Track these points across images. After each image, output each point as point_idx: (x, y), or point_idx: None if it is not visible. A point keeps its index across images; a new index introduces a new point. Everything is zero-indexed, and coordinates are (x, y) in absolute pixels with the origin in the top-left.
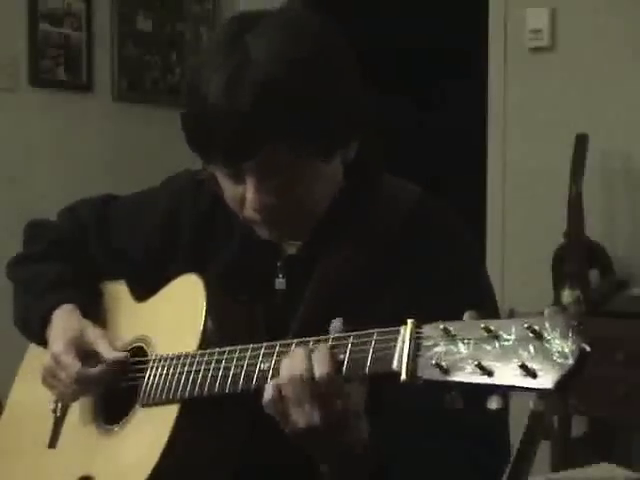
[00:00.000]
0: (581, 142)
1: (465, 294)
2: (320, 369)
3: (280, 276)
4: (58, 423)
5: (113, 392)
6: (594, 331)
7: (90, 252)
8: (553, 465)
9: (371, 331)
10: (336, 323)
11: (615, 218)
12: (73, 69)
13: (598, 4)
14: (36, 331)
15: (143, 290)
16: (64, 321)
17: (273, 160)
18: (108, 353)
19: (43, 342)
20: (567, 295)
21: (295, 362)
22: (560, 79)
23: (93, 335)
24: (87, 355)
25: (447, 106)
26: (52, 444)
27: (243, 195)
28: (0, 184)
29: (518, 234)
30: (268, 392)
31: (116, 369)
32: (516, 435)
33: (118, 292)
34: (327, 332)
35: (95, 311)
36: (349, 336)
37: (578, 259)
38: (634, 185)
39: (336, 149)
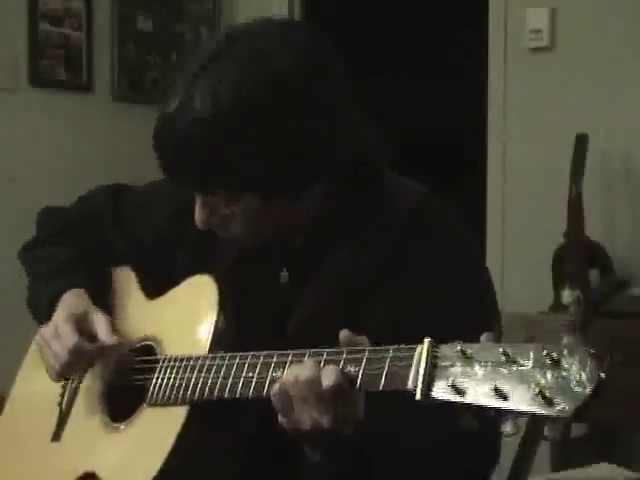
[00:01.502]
0: (581, 142)
1: (466, 291)
2: (327, 381)
3: (284, 270)
4: (63, 417)
5: (120, 390)
6: (594, 331)
7: (104, 238)
8: (553, 465)
9: (387, 347)
10: (344, 333)
11: (615, 218)
12: (73, 69)
13: (598, 4)
14: (44, 314)
15: (152, 280)
16: (71, 301)
17: (205, 195)
18: (105, 336)
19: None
20: (567, 295)
21: (303, 369)
22: (560, 79)
23: (96, 317)
24: (86, 333)
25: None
26: (56, 438)
27: None
28: (0, 184)
29: (518, 234)
30: (275, 387)
31: (111, 352)
32: (515, 436)
33: (127, 285)
34: (327, 331)
35: (103, 296)
36: (364, 350)
37: (578, 259)
38: (634, 185)
39: (280, 193)
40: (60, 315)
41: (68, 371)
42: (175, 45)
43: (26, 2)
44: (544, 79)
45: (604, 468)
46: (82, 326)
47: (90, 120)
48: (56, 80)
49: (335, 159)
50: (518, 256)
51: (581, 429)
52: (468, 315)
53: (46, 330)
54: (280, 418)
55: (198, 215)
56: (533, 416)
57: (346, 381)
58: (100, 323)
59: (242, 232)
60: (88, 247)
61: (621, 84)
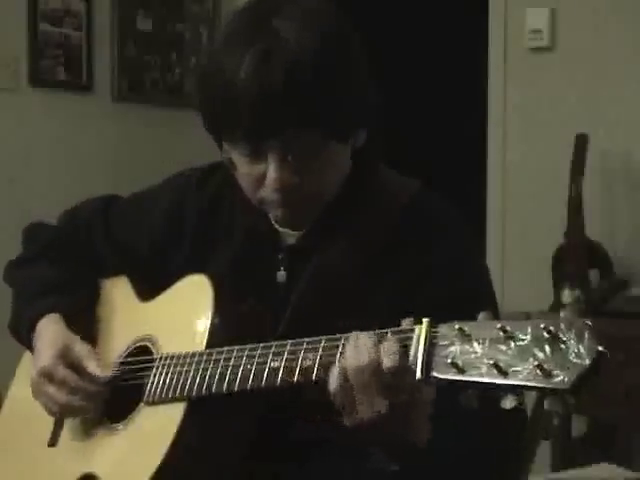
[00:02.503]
0: (581, 142)
1: (464, 282)
2: (387, 359)
3: (282, 269)
4: (59, 421)
5: (117, 390)
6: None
7: (96, 250)
8: (553, 465)
9: (385, 330)
10: None
11: (615, 218)
12: (73, 69)
13: (598, 4)
14: (24, 338)
15: (148, 285)
16: (49, 333)
17: (297, 139)
18: (95, 370)
19: (31, 348)
20: (567, 295)
21: (362, 351)
22: (560, 79)
23: (80, 351)
24: (75, 369)
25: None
26: (53, 442)
27: (261, 174)
28: (0, 184)
29: (518, 234)
30: (334, 381)
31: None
32: None
33: (120, 290)
34: (323, 322)
35: (88, 313)
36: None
37: (578, 259)
38: (634, 185)
39: (354, 132)
40: (45, 358)
41: (69, 410)
42: (175, 45)
43: (26, 2)
44: (544, 79)
45: (604, 468)
46: (69, 361)
47: (90, 120)
48: (56, 80)
49: (375, 106)
50: (518, 256)
51: (582, 429)
52: (468, 305)
53: (36, 377)
54: (345, 417)
55: (277, 177)
56: (533, 389)
57: (403, 358)
58: (86, 359)
59: (317, 188)
60: (77, 263)
61: (621, 84)
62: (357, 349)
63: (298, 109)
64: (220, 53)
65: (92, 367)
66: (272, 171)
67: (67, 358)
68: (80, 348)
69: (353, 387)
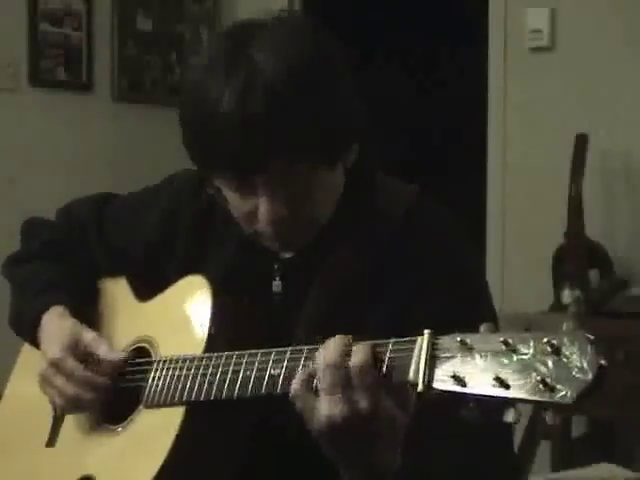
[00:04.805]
0: (581, 142)
1: (464, 294)
2: (357, 359)
3: (277, 278)
4: (57, 422)
5: (116, 392)
6: (594, 331)
7: (90, 250)
8: (553, 465)
9: (387, 340)
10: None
11: (615, 218)
12: (73, 69)
13: (598, 4)
14: (27, 333)
15: (143, 288)
16: (55, 325)
17: (285, 171)
18: (107, 353)
19: (35, 344)
20: (567, 295)
21: (332, 350)
22: (560, 79)
23: (88, 338)
24: (84, 359)
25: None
26: (51, 443)
27: (253, 209)
28: (0, 184)
29: (518, 234)
30: (297, 382)
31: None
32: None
33: (118, 290)
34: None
35: (88, 312)
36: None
37: (578, 259)
38: (634, 185)
39: (341, 154)
40: (53, 350)
41: (75, 404)
42: (175, 45)
43: (26, 2)
44: (544, 79)
45: (604, 468)
46: (79, 352)
47: (90, 120)
48: (56, 80)
49: (364, 123)
50: (518, 256)
51: (581, 429)
52: (469, 313)
53: (45, 369)
54: (307, 417)
55: (268, 211)
56: (536, 403)
57: (373, 360)
58: (96, 344)
59: (310, 215)
60: (73, 262)
61: (621, 84)
62: (328, 348)
63: (281, 140)
64: (199, 85)
65: (103, 351)
66: (263, 205)
67: (76, 350)
68: (87, 336)
69: (316, 388)
